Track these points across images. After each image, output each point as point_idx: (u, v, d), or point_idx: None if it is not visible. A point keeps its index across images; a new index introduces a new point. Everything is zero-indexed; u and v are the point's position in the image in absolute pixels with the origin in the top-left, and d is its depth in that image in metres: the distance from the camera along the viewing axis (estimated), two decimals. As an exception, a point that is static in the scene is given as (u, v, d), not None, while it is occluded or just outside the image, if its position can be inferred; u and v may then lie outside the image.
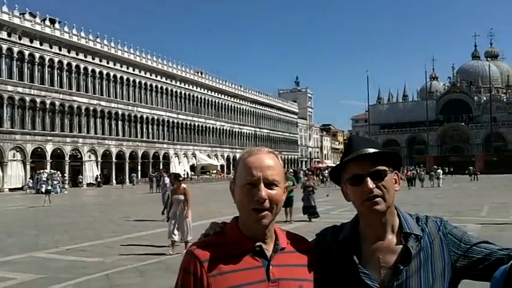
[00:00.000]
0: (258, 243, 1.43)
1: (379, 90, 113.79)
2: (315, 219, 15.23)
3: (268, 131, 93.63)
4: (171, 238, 10.33)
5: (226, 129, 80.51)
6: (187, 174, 58.44)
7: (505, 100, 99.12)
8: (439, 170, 40.76)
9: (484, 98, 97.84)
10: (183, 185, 11.02)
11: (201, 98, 74.61)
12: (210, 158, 73.45)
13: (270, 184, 1.43)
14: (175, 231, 10.35)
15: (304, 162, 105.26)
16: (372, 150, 1.49)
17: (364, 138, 1.62)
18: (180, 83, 69.83)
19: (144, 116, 62.68)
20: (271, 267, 1.41)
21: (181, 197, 10.59)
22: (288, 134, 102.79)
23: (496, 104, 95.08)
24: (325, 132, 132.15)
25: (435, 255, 1.49)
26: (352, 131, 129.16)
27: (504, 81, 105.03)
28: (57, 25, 52.60)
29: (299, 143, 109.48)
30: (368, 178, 1.46)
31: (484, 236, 10.21)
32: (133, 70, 61.29)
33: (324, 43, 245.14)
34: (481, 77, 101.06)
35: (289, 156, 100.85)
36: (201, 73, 76.91)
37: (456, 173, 57.26)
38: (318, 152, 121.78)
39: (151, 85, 64.05)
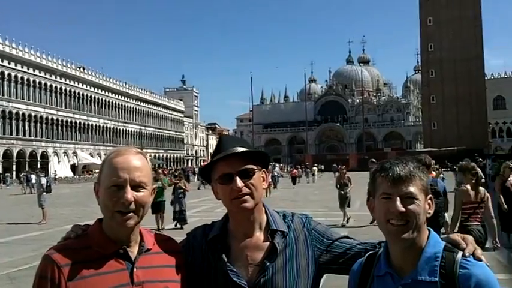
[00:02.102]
0: (122, 246, 1.40)
1: (263, 91, 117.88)
2: (186, 226, 13.13)
3: (153, 129, 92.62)
4: None
5: (110, 127, 78.27)
6: (55, 174, 55.08)
7: (375, 102, 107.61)
8: (314, 168, 43.84)
9: (357, 101, 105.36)
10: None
11: (83, 94, 71.77)
12: (92, 157, 70.95)
13: (137, 186, 1.40)
14: None
15: (190, 161, 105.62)
16: (240, 149, 1.51)
17: (233, 138, 1.65)
18: (61, 78, 66.65)
19: (20, 112, 58.96)
20: (135, 269, 1.38)
21: None
22: (174, 133, 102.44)
23: (368, 106, 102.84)
24: (211, 131, 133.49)
25: (300, 251, 1.54)
26: (237, 130, 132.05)
27: (374, 85, 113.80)
28: None
29: (185, 142, 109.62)
30: (237, 177, 1.49)
31: (355, 229, 11.64)
32: (9, 63, 57.49)
33: (211, 43, 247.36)
34: (355, 81, 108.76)
35: (175, 155, 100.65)
36: (83, 68, 74.06)
37: (332, 170, 61.11)
38: (203, 151, 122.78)
39: (28, 79, 60.35)
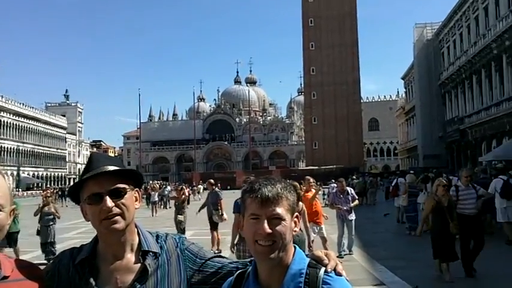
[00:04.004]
0: None
1: (151, 108, 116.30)
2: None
3: (33, 146, 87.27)
4: None
5: (-18, 144, 72.63)
6: None
7: (261, 122, 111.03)
8: (199, 186, 44.59)
9: (245, 120, 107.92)
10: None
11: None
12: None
13: None
14: None
15: (72, 180, 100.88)
16: (111, 167, 1.46)
17: (105, 156, 1.59)
18: None
19: None
20: None
21: None
22: (55, 150, 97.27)
23: (254, 125, 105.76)
24: (95, 149, 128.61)
25: (172, 271, 1.51)
26: (123, 147, 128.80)
27: (261, 105, 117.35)
28: None
29: (67, 159, 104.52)
30: (107, 196, 1.43)
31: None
32: None
33: (96, 56, 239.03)
34: (242, 101, 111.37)
35: (56, 173, 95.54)
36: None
37: (223, 188, 61.93)
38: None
39: None
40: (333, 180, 29.42)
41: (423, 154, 52.59)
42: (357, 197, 11.47)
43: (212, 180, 13.43)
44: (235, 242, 7.19)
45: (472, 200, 8.59)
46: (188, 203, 25.79)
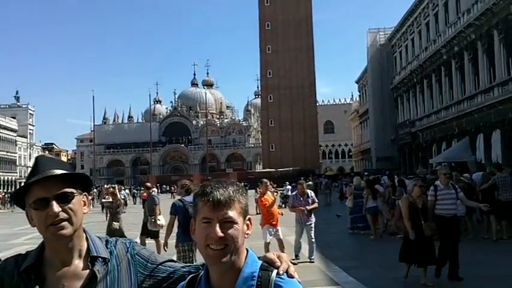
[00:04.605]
0: None
1: (105, 111, 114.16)
2: None
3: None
4: None
5: None
6: None
7: (218, 125, 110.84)
8: (154, 189, 44.12)
9: (201, 122, 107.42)
10: None
11: None
12: None
13: None
14: None
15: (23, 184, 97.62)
16: (58, 171, 1.43)
17: (51, 159, 1.56)
18: None
19: None
20: None
21: None
22: (5, 153, 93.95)
23: (211, 128, 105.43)
24: (47, 152, 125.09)
25: (122, 277, 1.48)
26: (76, 150, 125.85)
27: (218, 107, 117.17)
28: None
29: (18, 163, 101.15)
30: (54, 201, 1.40)
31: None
32: None
33: (49, 57, 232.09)
34: (199, 103, 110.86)
35: (6, 178, 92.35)
36: None
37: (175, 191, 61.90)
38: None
39: None
40: (287, 183, 29.77)
41: (376, 156, 53.81)
42: (316, 200, 10.94)
43: (149, 184, 12.70)
44: (177, 243, 7.11)
45: (451, 200, 8.15)
46: (126, 205, 25.23)
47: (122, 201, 14.02)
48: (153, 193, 12.08)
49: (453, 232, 8.08)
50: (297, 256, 10.32)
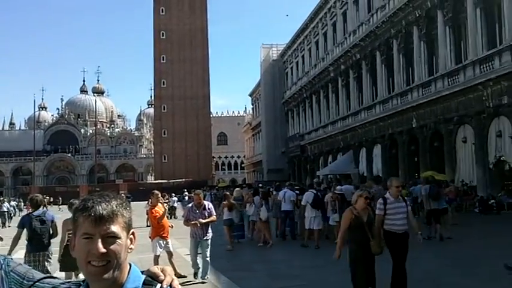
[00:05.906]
0: None
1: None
2: None
3: None
4: None
5: None
6: None
7: (108, 134, 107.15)
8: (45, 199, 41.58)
9: (90, 131, 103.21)
10: None
11: None
12: None
13: None
14: None
15: None
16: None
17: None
18: None
19: None
20: None
21: None
22: None
23: (101, 137, 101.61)
24: None
25: None
26: None
27: (108, 116, 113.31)
28: None
29: None
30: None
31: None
32: None
33: None
34: (88, 111, 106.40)
35: None
36: None
37: (64, 203, 58.63)
38: None
39: None
40: (173, 194, 29.47)
41: (267, 168, 55.21)
42: (214, 213, 9.65)
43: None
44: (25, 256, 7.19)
45: (402, 215, 7.18)
46: (11, 218, 23.05)
47: (6, 214, 13.17)
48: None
49: (403, 250, 7.20)
50: (195, 274, 9.35)
